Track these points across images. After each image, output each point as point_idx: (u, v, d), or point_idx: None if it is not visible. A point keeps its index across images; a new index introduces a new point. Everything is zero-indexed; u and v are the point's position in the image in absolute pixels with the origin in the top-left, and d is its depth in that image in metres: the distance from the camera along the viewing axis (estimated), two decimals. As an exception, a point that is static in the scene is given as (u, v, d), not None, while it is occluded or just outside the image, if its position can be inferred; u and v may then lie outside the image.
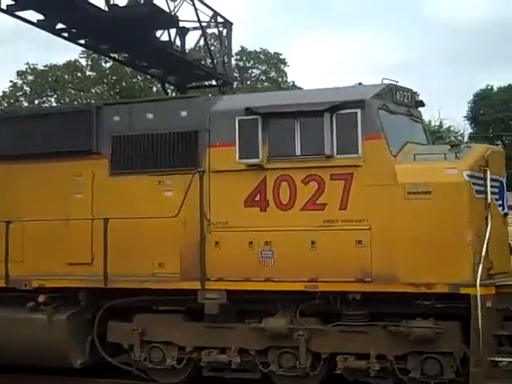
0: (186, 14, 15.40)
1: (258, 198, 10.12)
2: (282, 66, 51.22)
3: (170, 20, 14.77)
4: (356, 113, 9.69)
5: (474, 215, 9.44)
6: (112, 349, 11.31)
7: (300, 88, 42.96)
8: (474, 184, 9.49)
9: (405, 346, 9.65)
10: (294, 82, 49.23)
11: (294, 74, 53.77)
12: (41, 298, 11.12)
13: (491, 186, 9.65)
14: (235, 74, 41.11)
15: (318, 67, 65.17)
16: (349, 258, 9.62)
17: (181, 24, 15.37)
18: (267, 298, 10.23)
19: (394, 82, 10.42)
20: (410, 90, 10.67)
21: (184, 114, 10.92)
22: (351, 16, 77.70)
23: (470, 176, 9.44)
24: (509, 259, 10.43)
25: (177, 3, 15.17)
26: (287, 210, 9.98)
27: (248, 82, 47.58)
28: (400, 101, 10.32)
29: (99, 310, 11.18)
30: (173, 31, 15.44)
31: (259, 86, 46.32)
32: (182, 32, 15.73)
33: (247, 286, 10.09)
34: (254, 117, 10.14)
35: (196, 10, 15.25)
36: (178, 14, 15.08)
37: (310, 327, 10.00)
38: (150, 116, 11.14)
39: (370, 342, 9.77)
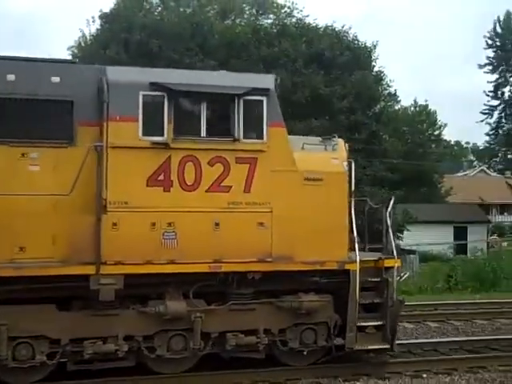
0: None
1: (161, 178, 9.74)
2: None
3: None
4: (262, 100, 10.11)
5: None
6: None
7: None
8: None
9: (289, 319, 10.52)
10: None
11: None
12: None
13: (347, 176, 11.10)
14: None
15: None
16: (251, 239, 10.03)
17: None
18: (151, 282, 9.92)
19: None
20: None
21: (56, 79, 9.71)
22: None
23: (347, 166, 10.77)
24: None
25: None
26: (192, 190, 9.85)
27: None
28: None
29: None
30: None
31: None
32: None
33: (149, 269, 9.65)
34: (159, 93, 9.70)
35: None
36: None
37: (207, 308, 10.09)
38: (12, 77, 9.58)
39: (259, 319, 10.35)
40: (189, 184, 9.84)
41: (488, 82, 39.25)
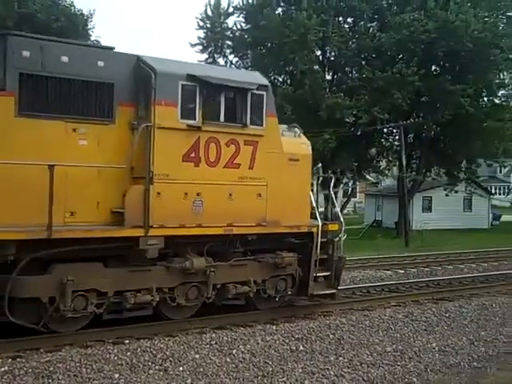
0: None
1: (193, 155, 11.60)
2: None
3: None
4: (263, 95, 12.40)
5: (308, 178, 13.54)
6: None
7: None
8: (309, 156, 13.56)
9: (269, 272, 13.01)
10: None
11: None
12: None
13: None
14: None
15: None
16: (253, 208, 12.34)
17: None
18: (174, 242, 11.75)
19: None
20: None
21: (101, 64, 11.10)
22: None
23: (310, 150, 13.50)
24: None
25: None
26: (214, 166, 11.85)
27: None
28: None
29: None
30: None
31: None
32: None
33: (183, 231, 11.53)
34: (193, 83, 11.52)
35: None
36: None
37: (219, 264, 12.20)
38: (65, 59, 10.77)
39: (249, 272, 12.71)
40: (212, 161, 11.83)
41: (199, 60, 42.43)
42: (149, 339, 11.12)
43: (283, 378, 10.32)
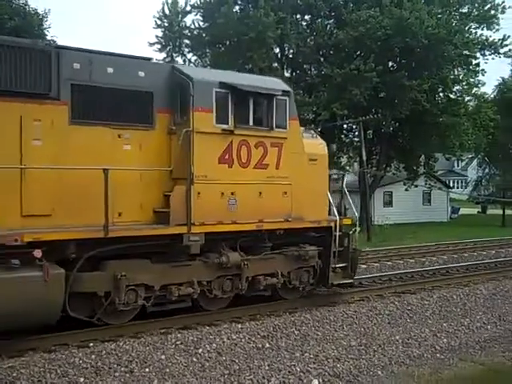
0: None
1: (227, 157, 12.38)
2: None
3: None
4: (286, 100, 13.26)
5: (326, 177, 14.47)
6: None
7: None
8: (324, 156, 14.49)
9: (294, 264, 13.89)
10: None
11: None
12: (37, 253, 10.12)
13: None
14: None
15: None
16: (279, 205, 13.20)
17: None
18: (210, 238, 12.51)
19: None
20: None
21: (142, 74, 11.83)
22: None
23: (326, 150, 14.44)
24: None
25: None
26: (245, 167, 12.66)
27: None
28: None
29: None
30: None
31: None
32: None
33: (220, 228, 12.32)
34: (226, 90, 12.31)
35: None
36: None
37: (252, 258, 13.03)
38: (111, 70, 11.45)
39: (277, 264, 13.58)
40: (243, 162, 12.63)
41: (157, 59, 42.20)
42: (113, 341, 11.06)
43: (250, 375, 10.79)
